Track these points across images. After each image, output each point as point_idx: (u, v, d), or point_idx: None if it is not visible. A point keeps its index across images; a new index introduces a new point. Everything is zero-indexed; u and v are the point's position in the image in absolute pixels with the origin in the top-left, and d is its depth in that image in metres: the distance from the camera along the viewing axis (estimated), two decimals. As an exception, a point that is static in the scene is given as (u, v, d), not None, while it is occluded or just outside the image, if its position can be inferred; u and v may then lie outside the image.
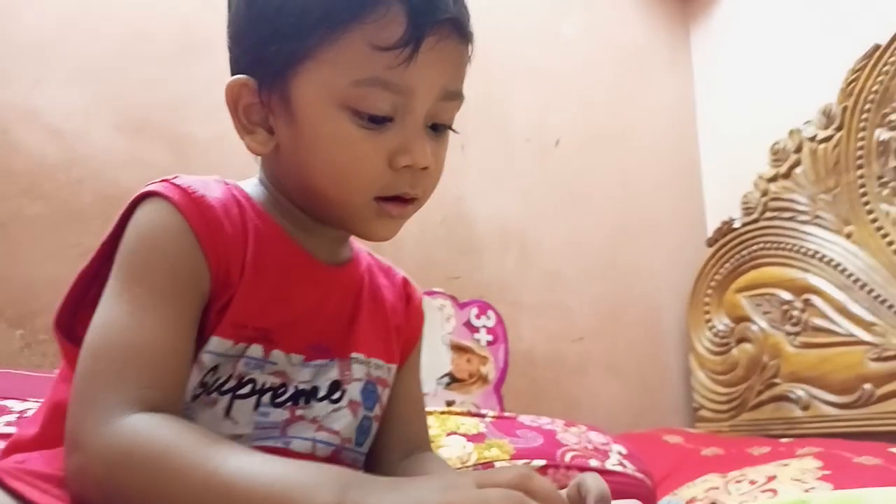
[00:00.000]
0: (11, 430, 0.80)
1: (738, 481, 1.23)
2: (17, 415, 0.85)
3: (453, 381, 1.60)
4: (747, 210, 1.95)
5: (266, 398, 0.57)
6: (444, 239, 1.73)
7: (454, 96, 0.59)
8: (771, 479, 1.20)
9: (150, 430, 0.47)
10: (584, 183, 2.02)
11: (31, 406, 0.86)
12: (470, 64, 0.60)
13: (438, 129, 0.59)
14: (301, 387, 0.59)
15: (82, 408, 0.49)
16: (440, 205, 1.70)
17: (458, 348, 1.63)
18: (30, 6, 1.33)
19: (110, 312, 0.52)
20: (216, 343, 0.55)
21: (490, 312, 1.71)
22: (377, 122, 0.55)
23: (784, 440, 1.51)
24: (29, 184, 1.27)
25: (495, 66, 1.85)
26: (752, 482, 1.21)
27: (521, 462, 1.11)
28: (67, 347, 0.55)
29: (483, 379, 1.63)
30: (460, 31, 0.57)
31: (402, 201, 0.58)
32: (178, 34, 1.46)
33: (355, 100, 0.54)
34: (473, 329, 1.67)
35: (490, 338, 1.69)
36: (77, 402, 0.49)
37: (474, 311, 1.69)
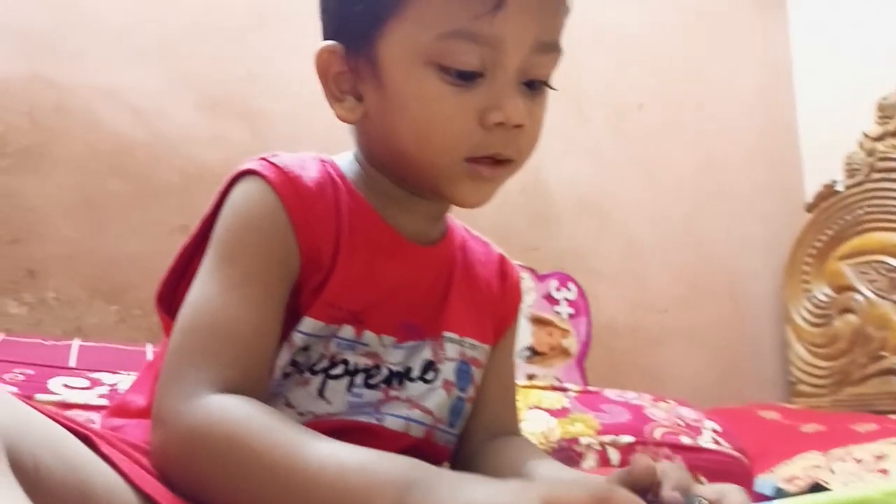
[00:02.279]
0: (104, 401, 0.82)
1: (843, 460, 1.17)
2: (109, 387, 0.87)
3: (534, 354, 1.57)
4: (851, 172, 1.81)
5: (359, 379, 0.56)
6: (522, 209, 1.69)
7: (550, 48, 0.55)
8: (880, 458, 1.13)
9: (226, 412, 0.47)
10: (665, 148, 1.93)
11: (123, 379, 0.89)
12: (567, 12, 0.56)
13: (534, 85, 0.55)
14: (394, 368, 0.58)
15: (166, 385, 0.49)
16: (518, 174, 1.65)
17: (538, 321, 1.60)
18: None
19: (202, 291, 0.52)
20: (308, 323, 0.54)
21: (571, 284, 1.67)
22: (465, 77, 0.52)
23: (893, 416, 1.41)
24: (114, 162, 1.31)
25: (569, 29, 1.76)
26: (858, 461, 1.14)
27: (608, 439, 1.07)
28: (168, 321, 0.56)
29: (565, 352, 1.60)
30: None
31: (495, 162, 0.55)
32: (249, 8, 1.47)
33: (441, 55, 0.52)
34: (554, 301, 1.63)
35: (571, 310, 1.65)
36: (163, 378, 0.50)
37: (554, 283, 1.65)
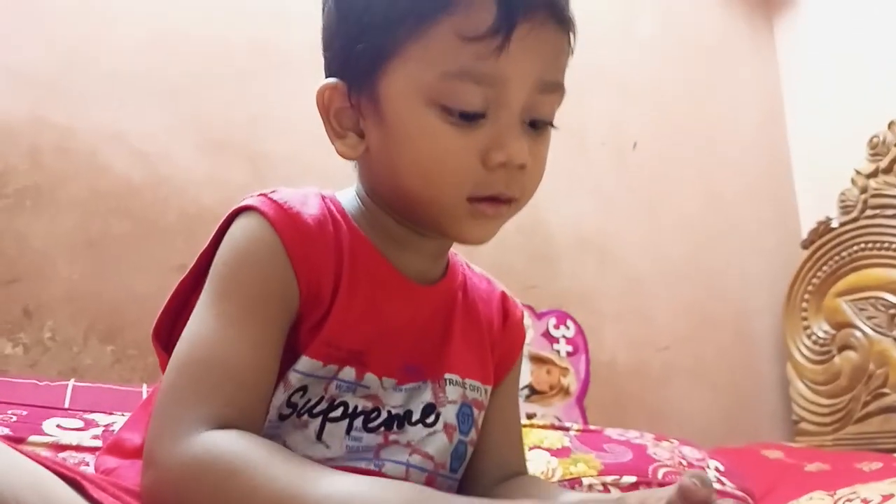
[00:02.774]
0: (98, 443, 0.81)
1: (849, 500, 1.14)
2: (104, 428, 0.86)
3: (533, 392, 1.56)
4: (845, 209, 1.82)
5: (358, 422, 0.55)
6: (520, 247, 1.69)
7: (552, 88, 0.55)
8: (887, 497, 1.10)
9: (223, 446, 0.46)
10: (665, 186, 1.94)
11: (118, 419, 0.88)
12: (570, 53, 0.56)
13: (537, 125, 0.55)
14: (394, 411, 0.57)
15: (159, 423, 0.48)
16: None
17: (537, 359, 1.59)
18: (113, 32, 1.39)
19: (198, 327, 0.52)
20: (305, 363, 0.54)
21: (569, 322, 1.66)
22: (468, 118, 0.52)
23: (898, 455, 1.39)
24: (116, 203, 1.32)
25: (570, 68, 1.80)
26: (866, 501, 1.12)
27: (610, 479, 1.05)
28: (164, 358, 0.55)
29: (564, 391, 1.58)
30: (557, 16, 0.54)
31: (497, 201, 0.55)
32: (254, 53, 1.49)
33: (444, 95, 0.52)
34: (553, 339, 1.63)
35: (570, 348, 1.64)
36: (156, 416, 0.49)
37: (553, 320, 1.64)
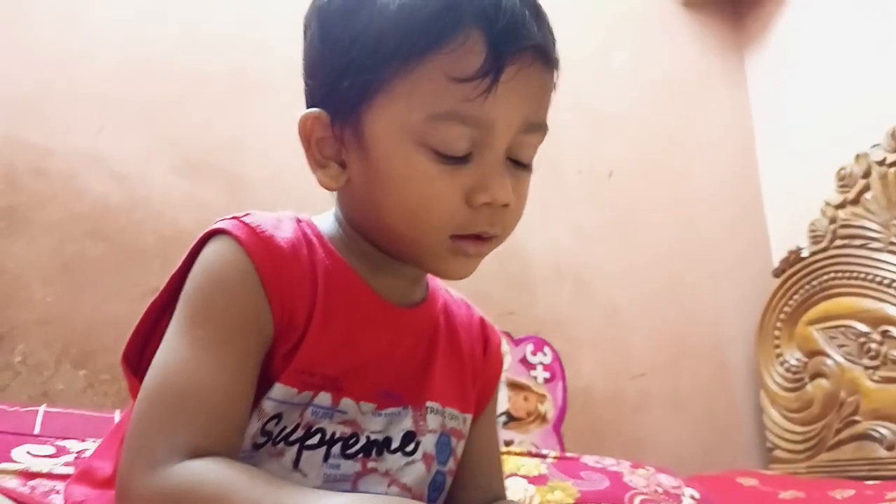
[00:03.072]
0: (69, 469, 0.80)
1: (823, 528, 1.15)
2: (75, 455, 0.85)
3: (510, 419, 1.55)
4: (815, 238, 1.86)
5: (336, 449, 0.54)
6: (497, 274, 1.70)
7: (537, 128, 0.55)
8: (859, 525, 1.11)
9: (201, 475, 0.44)
10: (640, 215, 1.97)
11: (90, 446, 0.86)
12: (555, 91, 0.57)
13: (519, 162, 0.55)
14: (373, 437, 0.56)
15: (132, 454, 0.47)
16: (493, 239, 1.67)
17: (514, 386, 1.59)
18: (92, 54, 1.39)
19: (169, 355, 0.50)
20: (279, 390, 0.52)
21: (546, 349, 1.67)
22: (455, 160, 0.52)
23: (870, 482, 1.41)
24: (92, 226, 1.31)
25: (546, 99, 1.83)
26: (838, 528, 1.13)
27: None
28: (134, 383, 0.54)
29: (541, 418, 1.58)
30: (544, 58, 0.54)
31: (480, 239, 0.55)
32: (233, 78, 1.50)
33: (431, 136, 0.51)
34: (530, 366, 1.63)
35: (547, 375, 1.64)
36: (128, 447, 0.48)
37: (530, 347, 1.65)
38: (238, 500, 0.43)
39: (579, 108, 1.91)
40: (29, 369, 1.21)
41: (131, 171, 1.37)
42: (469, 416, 0.64)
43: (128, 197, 1.35)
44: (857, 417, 1.70)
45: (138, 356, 0.56)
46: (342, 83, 0.54)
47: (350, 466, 0.55)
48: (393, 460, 0.57)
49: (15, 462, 0.81)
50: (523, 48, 0.52)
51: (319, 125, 0.56)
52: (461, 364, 0.64)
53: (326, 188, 0.58)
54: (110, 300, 1.27)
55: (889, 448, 1.64)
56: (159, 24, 1.47)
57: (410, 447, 0.58)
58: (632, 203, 1.96)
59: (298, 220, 0.58)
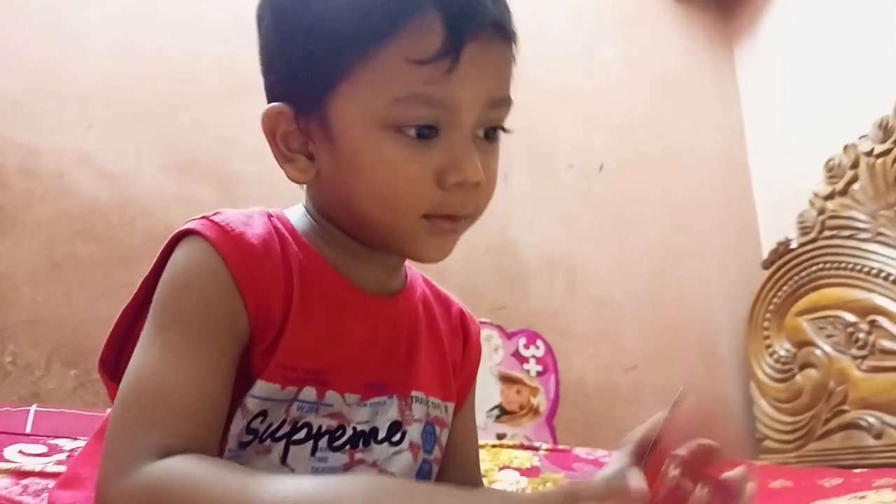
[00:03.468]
0: (61, 468, 0.80)
1: (812, 516, 1.16)
2: (68, 453, 0.85)
3: (503, 413, 1.56)
4: (804, 230, 1.87)
5: (323, 442, 0.54)
6: (489, 268, 1.70)
7: (502, 103, 0.55)
8: (847, 513, 1.12)
9: (172, 472, 0.44)
10: (631, 208, 1.98)
11: (82, 445, 0.87)
12: (515, 64, 0.56)
13: (489, 135, 0.55)
14: (359, 428, 0.56)
15: (108, 458, 0.47)
16: (485, 234, 1.69)
17: (507, 379, 1.59)
18: (80, 53, 1.38)
19: (143, 359, 0.50)
20: (261, 387, 0.52)
21: (539, 342, 1.68)
22: (421, 139, 0.52)
23: (857, 471, 1.42)
24: (82, 225, 1.30)
25: (536, 93, 1.85)
26: (827, 517, 1.14)
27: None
28: (112, 387, 0.54)
29: (534, 410, 1.59)
30: (502, 33, 0.53)
31: (453, 218, 0.54)
32: (222, 77, 1.50)
33: (396, 119, 0.51)
34: (522, 359, 1.64)
35: (540, 368, 1.65)
36: (104, 452, 0.47)
37: (522, 340, 1.66)
38: (208, 490, 0.43)
39: (570, 103, 1.91)
40: (19, 370, 1.21)
41: (120, 171, 1.36)
42: (451, 405, 0.64)
43: (117, 196, 1.35)
44: (845, 407, 1.72)
45: (115, 361, 0.56)
46: (302, 75, 0.53)
47: (338, 459, 0.55)
48: (380, 450, 0.56)
49: (7, 461, 0.81)
50: (481, 25, 0.51)
51: (283, 119, 0.55)
52: (441, 353, 0.64)
53: (296, 182, 0.57)
54: (101, 300, 1.27)
55: (877, 436, 1.66)
56: (148, 22, 1.46)
57: (397, 437, 0.58)
58: (623, 196, 1.97)
59: (269, 216, 0.57)
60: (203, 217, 0.54)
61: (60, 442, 0.88)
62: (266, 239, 0.54)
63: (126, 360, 0.51)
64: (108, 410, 0.56)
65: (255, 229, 0.55)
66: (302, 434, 0.53)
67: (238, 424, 0.52)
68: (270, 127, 0.55)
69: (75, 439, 0.89)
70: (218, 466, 0.45)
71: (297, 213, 0.60)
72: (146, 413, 0.47)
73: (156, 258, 0.55)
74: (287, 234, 0.56)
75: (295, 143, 0.55)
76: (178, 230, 0.54)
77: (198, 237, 0.53)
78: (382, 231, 0.55)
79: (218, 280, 0.51)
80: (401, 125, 0.52)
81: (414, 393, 0.60)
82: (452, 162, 0.52)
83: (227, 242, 0.52)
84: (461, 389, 0.66)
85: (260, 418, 0.52)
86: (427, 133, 0.52)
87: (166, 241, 0.55)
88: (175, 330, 0.50)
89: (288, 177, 0.57)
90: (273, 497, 0.42)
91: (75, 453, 0.84)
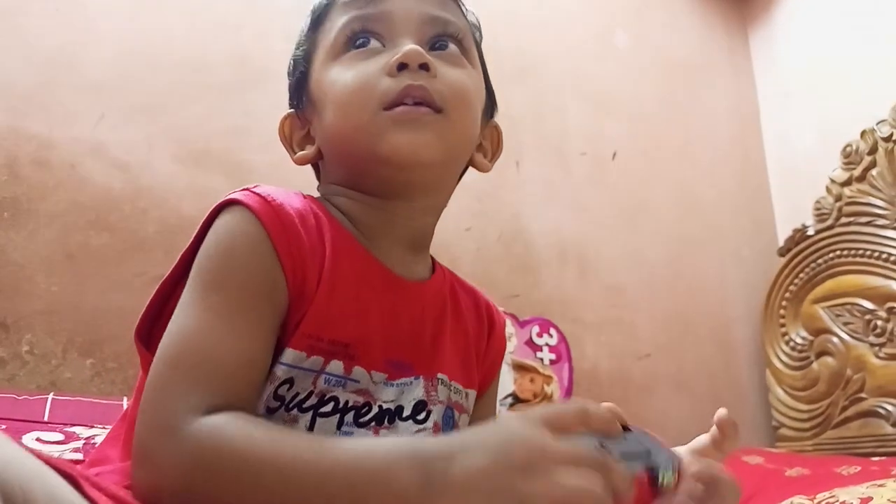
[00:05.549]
0: (79, 455, 0.80)
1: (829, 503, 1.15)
2: (84, 441, 0.85)
3: (517, 401, 1.56)
4: (821, 216, 1.85)
5: (349, 417, 0.55)
6: (501, 256, 1.70)
7: (442, 23, 0.61)
8: (865, 501, 1.11)
9: (223, 429, 0.45)
10: (644, 195, 1.96)
11: (98, 433, 0.87)
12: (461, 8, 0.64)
13: (444, 47, 0.61)
14: (385, 406, 0.56)
15: (150, 418, 0.47)
16: (497, 222, 1.68)
17: (520, 368, 1.59)
18: (93, 43, 1.38)
19: (184, 321, 0.50)
20: (288, 354, 0.53)
21: (552, 330, 1.67)
22: (363, 48, 0.59)
23: (875, 458, 1.41)
24: (96, 216, 1.31)
25: (548, 80, 1.83)
26: (844, 504, 1.13)
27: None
28: (146, 357, 0.54)
29: (548, 399, 1.59)
30: None
31: (412, 102, 0.57)
32: (235, 66, 1.50)
33: (340, 45, 0.60)
34: (536, 347, 1.63)
35: (553, 356, 1.65)
36: (145, 411, 0.48)
37: (535, 328, 1.65)
38: (259, 453, 0.43)
39: (582, 90, 1.90)
40: (36, 359, 1.22)
41: (133, 161, 1.36)
42: (472, 392, 0.65)
43: (130, 186, 1.35)
44: (862, 394, 1.70)
45: (150, 330, 0.56)
46: (295, 76, 0.64)
47: (363, 435, 0.55)
48: (404, 428, 0.57)
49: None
50: None
51: (293, 121, 0.64)
52: (466, 341, 0.65)
53: (305, 163, 0.64)
54: (115, 289, 1.28)
55: (895, 424, 1.64)
56: (159, 12, 1.46)
57: (422, 416, 0.59)
58: (636, 184, 1.96)
59: (304, 195, 0.60)
60: (245, 189, 0.56)
61: (77, 430, 0.88)
62: (303, 213, 0.56)
63: (161, 330, 0.52)
64: (124, 399, 0.57)
65: (294, 203, 0.56)
66: (329, 407, 0.54)
67: (266, 390, 0.52)
68: (285, 133, 0.64)
69: (91, 427, 0.89)
70: (264, 424, 0.46)
71: (318, 198, 0.63)
72: (189, 372, 0.48)
73: (197, 228, 0.56)
74: (320, 212, 0.58)
75: (305, 140, 0.63)
76: (220, 201, 0.56)
77: (240, 206, 0.54)
78: (355, 143, 0.58)
79: (260, 248, 0.53)
80: (345, 47, 0.60)
81: (439, 375, 0.61)
82: (395, 54, 0.58)
83: (269, 212, 0.54)
84: (484, 378, 0.67)
85: (286, 385, 0.53)
86: (365, 41, 0.59)
87: (207, 213, 0.56)
88: (217, 293, 0.51)
89: (296, 161, 0.64)
90: (327, 461, 0.42)
91: (92, 441, 0.85)
